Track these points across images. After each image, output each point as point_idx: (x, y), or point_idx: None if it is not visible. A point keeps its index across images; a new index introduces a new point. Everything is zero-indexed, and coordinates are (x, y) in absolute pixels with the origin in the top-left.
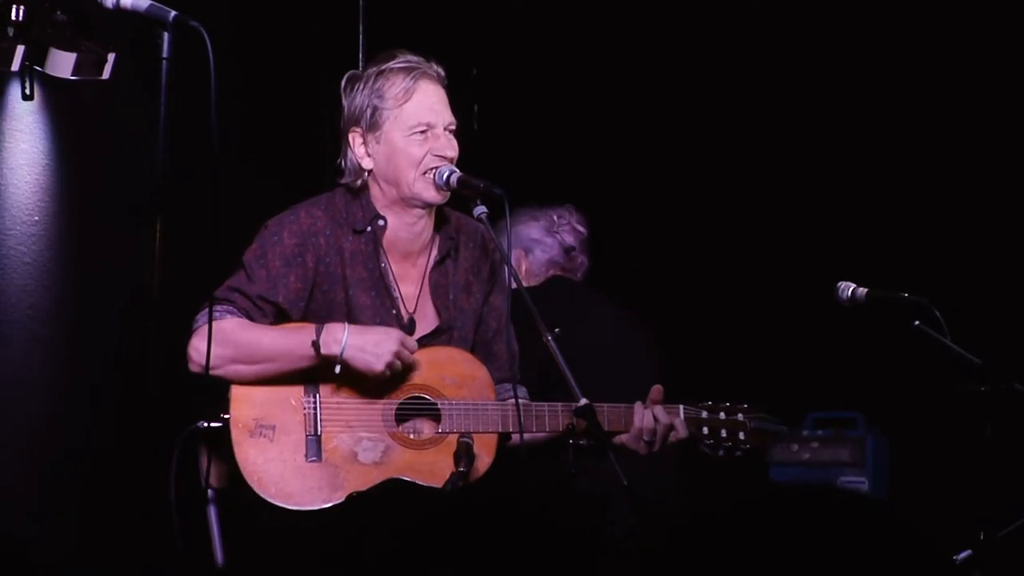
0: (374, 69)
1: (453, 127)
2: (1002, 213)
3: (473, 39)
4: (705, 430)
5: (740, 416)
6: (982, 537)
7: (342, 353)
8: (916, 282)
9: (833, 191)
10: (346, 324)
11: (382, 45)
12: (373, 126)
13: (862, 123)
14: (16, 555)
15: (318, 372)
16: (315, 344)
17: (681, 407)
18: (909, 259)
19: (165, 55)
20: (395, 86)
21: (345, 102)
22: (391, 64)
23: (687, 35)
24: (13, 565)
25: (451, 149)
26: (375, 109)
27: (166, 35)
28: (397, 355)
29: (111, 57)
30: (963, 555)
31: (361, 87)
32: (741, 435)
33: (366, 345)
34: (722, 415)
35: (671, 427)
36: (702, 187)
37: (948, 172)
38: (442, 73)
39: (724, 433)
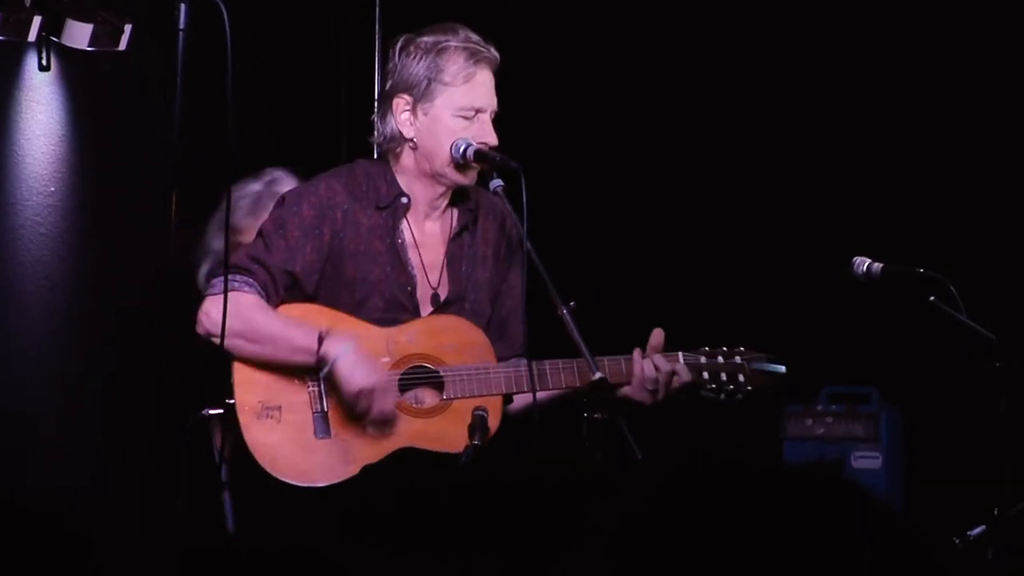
0: (432, 39)
1: (495, 113)
2: (1019, 188)
3: (487, 15)
4: (705, 375)
5: (738, 359)
6: (996, 513)
7: (336, 358)
8: (932, 257)
9: (849, 165)
10: (349, 343)
11: (399, 18)
12: (425, 97)
13: (879, 96)
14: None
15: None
16: (320, 336)
17: (680, 354)
18: (925, 234)
19: (182, 26)
20: (456, 65)
21: (397, 64)
22: (454, 42)
23: (703, 11)
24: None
25: (492, 138)
26: (430, 82)
27: (183, 6)
28: (372, 394)
29: (128, 28)
30: (977, 531)
31: (421, 57)
32: (741, 377)
33: (354, 367)
34: (720, 359)
35: (673, 373)
36: (718, 160)
37: (964, 147)
38: (498, 59)
39: (724, 376)
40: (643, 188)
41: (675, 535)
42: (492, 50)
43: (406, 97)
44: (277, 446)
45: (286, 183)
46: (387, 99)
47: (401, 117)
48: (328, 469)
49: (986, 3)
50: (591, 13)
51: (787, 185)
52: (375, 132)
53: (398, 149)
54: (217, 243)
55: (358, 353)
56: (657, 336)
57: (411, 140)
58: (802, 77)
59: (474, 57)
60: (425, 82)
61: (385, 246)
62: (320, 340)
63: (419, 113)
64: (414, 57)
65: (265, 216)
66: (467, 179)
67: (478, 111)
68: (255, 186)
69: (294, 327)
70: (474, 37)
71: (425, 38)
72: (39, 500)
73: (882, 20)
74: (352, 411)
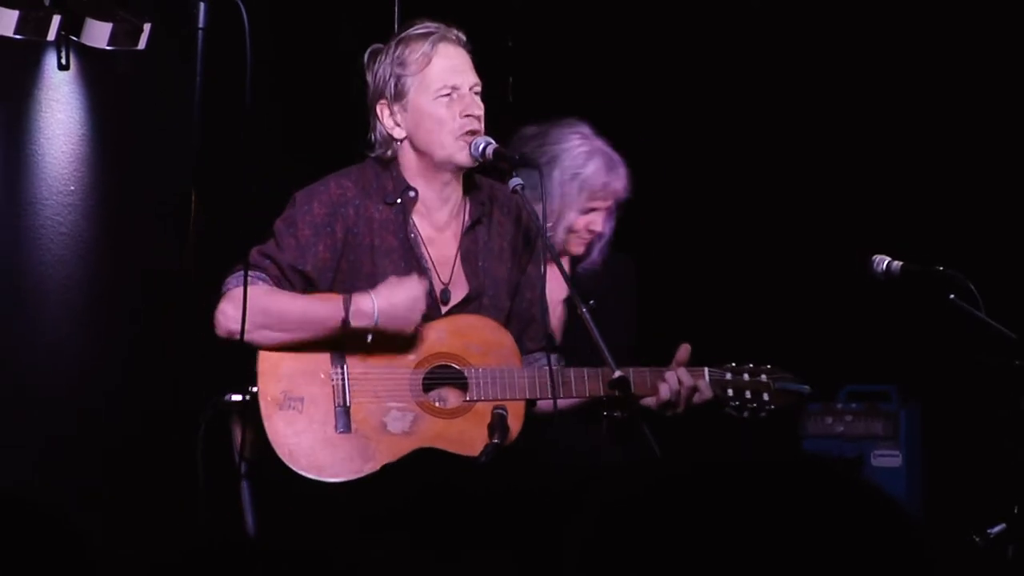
0: (392, 41)
1: (478, 89)
2: None
3: (508, 10)
4: (730, 392)
5: (764, 377)
6: (1016, 511)
7: (375, 324)
8: (951, 255)
9: (868, 164)
10: (372, 294)
11: (417, 15)
12: (398, 95)
13: (897, 94)
14: (56, 521)
15: (345, 342)
16: (345, 320)
17: (706, 369)
18: (944, 232)
19: (201, 25)
20: (415, 52)
21: (369, 77)
22: (409, 32)
23: (716, 11)
24: (53, 531)
25: (478, 108)
26: (398, 78)
27: (202, 5)
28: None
29: (147, 27)
30: (997, 529)
31: (383, 59)
32: (765, 396)
33: (396, 312)
34: (746, 376)
35: (695, 389)
36: (737, 157)
37: (983, 144)
38: (463, 37)
39: (749, 394)
40: (660, 187)
41: (683, 529)
42: (454, 30)
43: (384, 102)
44: (297, 438)
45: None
46: (371, 112)
47: (387, 122)
48: (347, 465)
49: (999, 1)
50: (605, 11)
51: (807, 184)
52: (374, 147)
53: (393, 151)
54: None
55: (387, 303)
56: (683, 351)
57: (403, 140)
58: (819, 78)
59: (430, 38)
60: (394, 80)
61: (398, 240)
62: (345, 316)
63: (399, 112)
64: (379, 63)
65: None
66: (471, 162)
67: (454, 88)
68: (581, 145)
69: (316, 302)
70: (432, 23)
71: (388, 43)
72: (50, 497)
73: (898, 18)
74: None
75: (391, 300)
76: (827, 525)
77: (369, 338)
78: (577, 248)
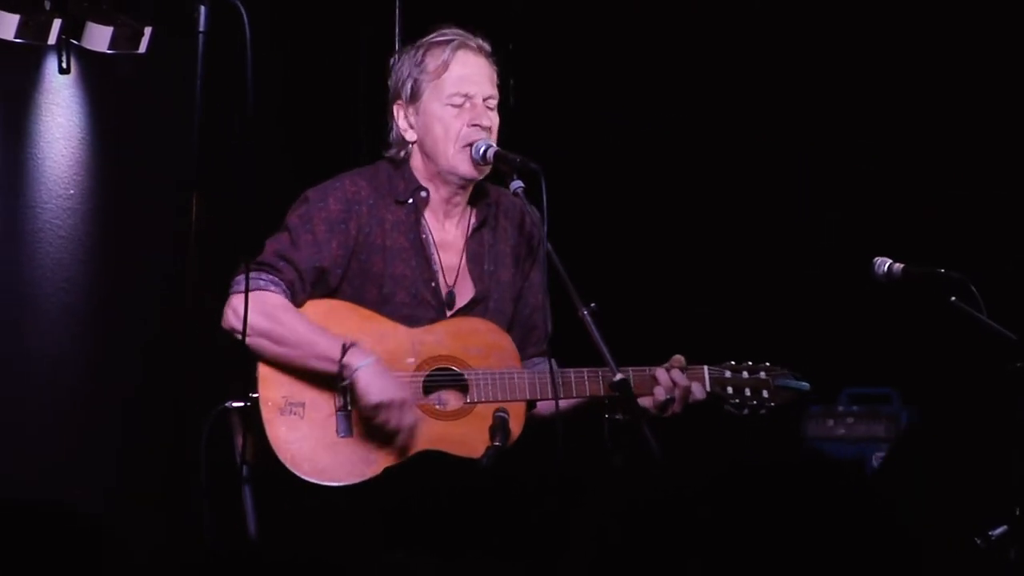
0: (419, 43)
1: (494, 101)
2: None
3: (510, 13)
4: (730, 389)
5: (763, 374)
6: (1017, 512)
7: (357, 368)
8: (952, 258)
9: (871, 165)
10: (372, 354)
11: (418, 19)
12: (413, 97)
13: (897, 96)
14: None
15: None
16: (344, 346)
17: (705, 367)
18: (946, 234)
19: (202, 28)
20: (435, 58)
21: (390, 78)
22: (433, 37)
23: (720, 12)
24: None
25: (487, 119)
26: (415, 81)
27: (203, 8)
28: (390, 408)
29: (147, 31)
30: (999, 531)
31: (404, 60)
32: (765, 393)
33: (374, 379)
34: (745, 374)
35: (688, 390)
36: (741, 159)
37: (984, 147)
38: (487, 47)
39: (748, 392)
40: (663, 190)
41: (695, 531)
42: (478, 39)
43: (400, 102)
44: (299, 443)
45: None
46: (389, 110)
47: (401, 123)
48: (349, 469)
49: (1001, 3)
50: (606, 13)
51: (809, 186)
52: (391, 146)
53: (406, 152)
54: None
55: (379, 366)
56: (676, 361)
57: (414, 142)
58: (820, 81)
59: (452, 45)
60: (411, 82)
61: (409, 241)
62: (344, 350)
63: (412, 114)
64: (401, 63)
65: None
66: (475, 172)
67: (467, 96)
68: None
69: (319, 333)
70: (457, 30)
71: (414, 45)
72: (58, 501)
73: (900, 21)
74: (371, 422)
75: (384, 372)
76: (838, 527)
77: (343, 382)
78: None
